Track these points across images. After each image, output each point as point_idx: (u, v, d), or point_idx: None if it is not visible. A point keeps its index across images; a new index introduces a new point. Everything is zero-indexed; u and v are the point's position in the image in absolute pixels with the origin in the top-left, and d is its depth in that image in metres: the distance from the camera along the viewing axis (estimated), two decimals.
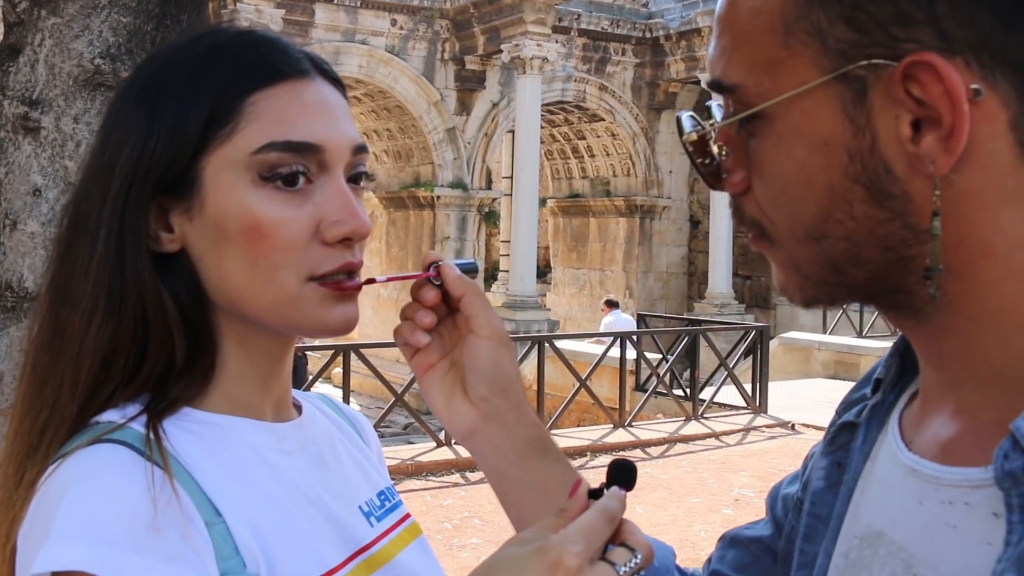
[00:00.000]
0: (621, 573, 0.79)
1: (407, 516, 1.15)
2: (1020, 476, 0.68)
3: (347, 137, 1.01)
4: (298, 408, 1.13)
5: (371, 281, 1.07)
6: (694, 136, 0.83)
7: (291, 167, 0.97)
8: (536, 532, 0.80)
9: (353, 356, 10.20)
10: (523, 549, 0.78)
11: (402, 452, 10.40)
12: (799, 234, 0.77)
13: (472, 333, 1.07)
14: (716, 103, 0.84)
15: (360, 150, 1.03)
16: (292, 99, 0.99)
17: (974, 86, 0.69)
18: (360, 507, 1.09)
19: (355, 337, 22.22)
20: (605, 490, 0.85)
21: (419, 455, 10.02)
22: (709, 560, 1.16)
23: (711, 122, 0.83)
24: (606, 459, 10.41)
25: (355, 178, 1.03)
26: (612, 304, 17.36)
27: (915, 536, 0.79)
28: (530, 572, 0.76)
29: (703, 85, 12.68)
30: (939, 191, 0.71)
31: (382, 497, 1.14)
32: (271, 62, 1.00)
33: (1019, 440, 0.68)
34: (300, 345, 16.13)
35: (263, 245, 0.97)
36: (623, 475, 0.88)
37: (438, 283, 1.06)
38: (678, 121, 0.85)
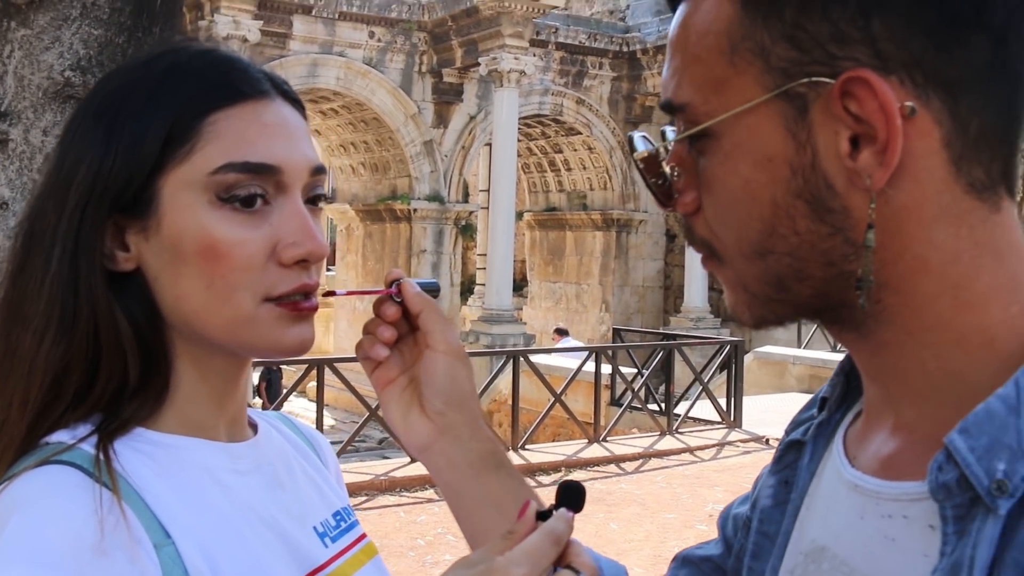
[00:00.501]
0: None
1: (363, 536, 1.15)
2: (953, 488, 0.70)
3: (305, 159, 1.02)
4: (254, 427, 1.13)
5: (331, 293, 1.09)
6: (645, 154, 0.85)
7: (249, 188, 0.97)
8: (483, 555, 0.82)
9: (327, 370, 10.17)
10: (470, 571, 0.80)
11: (376, 467, 10.37)
12: (746, 250, 0.79)
13: (430, 348, 1.08)
14: (670, 127, 0.85)
15: (318, 171, 1.03)
16: (252, 120, 0.99)
17: (908, 103, 0.71)
18: (315, 527, 1.09)
19: (330, 351, 22.19)
20: (554, 511, 0.86)
21: (393, 470, 9.99)
22: None
23: (664, 143, 0.85)
24: (581, 474, 10.43)
25: (313, 199, 1.04)
26: (562, 332, 17.42)
27: (856, 550, 0.81)
28: None
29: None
30: (874, 204, 0.73)
31: (337, 517, 1.14)
32: (231, 82, 1.00)
33: (952, 453, 0.70)
34: (274, 360, 16.23)
35: (220, 265, 0.96)
36: (571, 497, 0.89)
37: (399, 300, 1.08)
38: (630, 140, 0.87)
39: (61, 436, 0.94)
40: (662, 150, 0.85)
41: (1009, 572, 0.66)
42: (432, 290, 1.10)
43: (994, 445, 0.69)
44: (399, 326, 1.09)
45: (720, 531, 1.12)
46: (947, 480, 0.70)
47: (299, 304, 1.00)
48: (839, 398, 0.94)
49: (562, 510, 0.86)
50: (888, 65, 0.72)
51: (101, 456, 0.91)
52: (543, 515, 0.86)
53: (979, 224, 0.75)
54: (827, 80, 0.73)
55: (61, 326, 0.96)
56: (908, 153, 0.72)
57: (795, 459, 0.95)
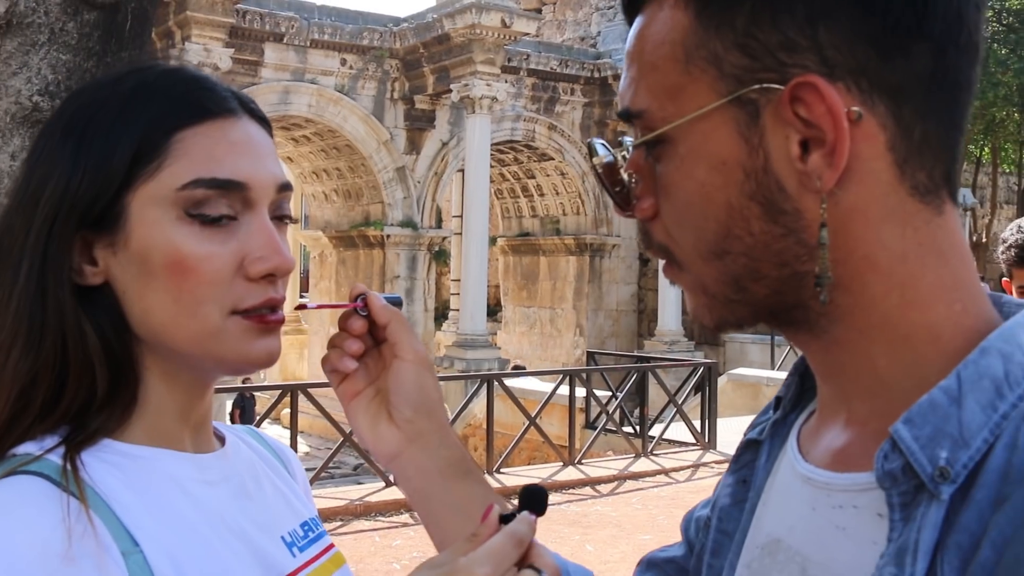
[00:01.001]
0: None
1: (331, 547, 1.16)
2: (899, 476, 0.73)
3: (272, 175, 1.03)
4: (221, 439, 1.14)
5: (302, 307, 1.12)
6: (604, 161, 0.88)
7: (216, 204, 0.99)
8: (447, 556, 0.84)
9: (301, 396, 10.12)
10: (434, 572, 0.82)
11: (351, 492, 10.32)
12: (703, 252, 0.82)
13: (397, 358, 1.09)
14: (628, 137, 0.88)
15: (284, 188, 1.05)
16: (219, 137, 1.01)
17: (854, 108, 0.75)
18: (283, 537, 1.10)
19: (304, 377, 22.06)
20: (516, 515, 0.88)
21: (368, 495, 9.95)
22: None
23: (621, 151, 0.87)
24: (557, 497, 10.41)
25: (279, 216, 1.05)
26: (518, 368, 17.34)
27: (809, 540, 0.83)
28: None
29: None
30: (825, 204, 0.76)
31: (305, 528, 1.15)
32: (198, 100, 1.02)
33: (897, 442, 0.73)
34: (247, 386, 16.01)
35: (187, 280, 0.98)
36: (534, 500, 0.91)
37: (364, 314, 1.09)
38: (590, 146, 0.89)
39: (28, 447, 0.94)
40: (620, 158, 0.87)
41: (951, 554, 0.69)
42: (396, 303, 1.12)
43: (937, 434, 0.72)
44: (364, 340, 1.11)
45: (683, 534, 1.14)
46: (892, 468, 0.73)
47: (266, 317, 1.02)
48: (794, 398, 0.97)
49: (524, 513, 0.88)
50: (835, 72, 0.74)
51: (68, 466, 0.92)
52: (506, 518, 0.88)
53: (923, 226, 0.78)
54: (777, 86, 0.75)
55: (29, 339, 0.97)
56: (855, 156, 0.75)
57: (752, 458, 0.98)
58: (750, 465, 0.98)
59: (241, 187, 1.00)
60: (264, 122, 1.09)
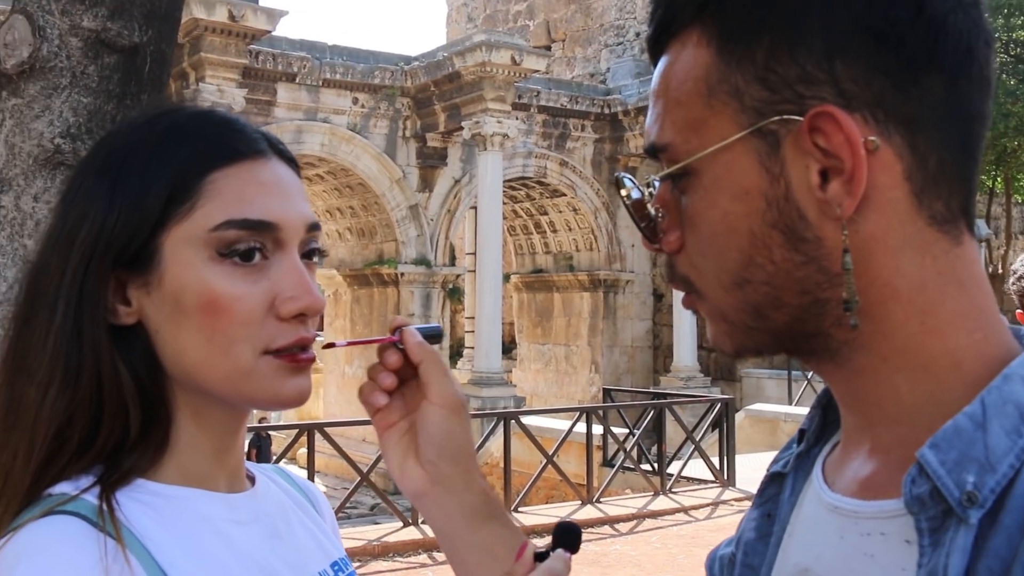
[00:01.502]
0: None
1: None
2: (927, 501, 0.74)
3: (301, 215, 1.05)
4: (251, 479, 1.14)
5: (331, 345, 1.13)
6: (632, 195, 0.90)
7: (248, 244, 1.01)
8: None
9: (318, 435, 10.12)
10: None
11: (368, 533, 10.29)
12: (725, 281, 0.84)
13: (426, 400, 1.09)
14: (654, 177, 0.90)
15: (314, 227, 1.07)
16: (249, 178, 1.03)
17: (871, 138, 0.77)
18: None
19: (320, 416, 22.08)
20: (551, 553, 0.89)
21: (385, 535, 9.92)
22: None
23: (647, 185, 0.90)
24: None
25: (308, 254, 1.07)
26: None
27: (837, 568, 0.84)
28: None
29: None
30: (847, 231, 0.78)
31: (336, 568, 1.15)
32: (230, 142, 1.04)
33: (924, 467, 0.74)
34: (264, 425, 16.01)
35: (220, 320, 0.99)
36: (568, 538, 0.92)
37: (402, 347, 1.09)
38: (618, 181, 0.93)
39: (64, 487, 0.95)
40: (647, 193, 0.89)
41: None
42: (434, 335, 1.12)
43: (963, 459, 0.73)
44: (403, 371, 1.10)
45: (708, 573, 1.13)
46: (920, 493, 0.74)
47: (297, 356, 1.03)
48: (817, 430, 0.98)
49: (559, 551, 0.89)
50: (852, 103, 0.77)
51: (104, 506, 0.93)
52: (541, 556, 0.89)
53: (942, 255, 0.80)
54: (796, 117, 0.78)
55: (65, 379, 0.98)
56: (873, 185, 0.77)
57: (777, 492, 0.98)
58: (775, 499, 0.98)
59: (272, 227, 1.02)
60: (292, 162, 1.11)
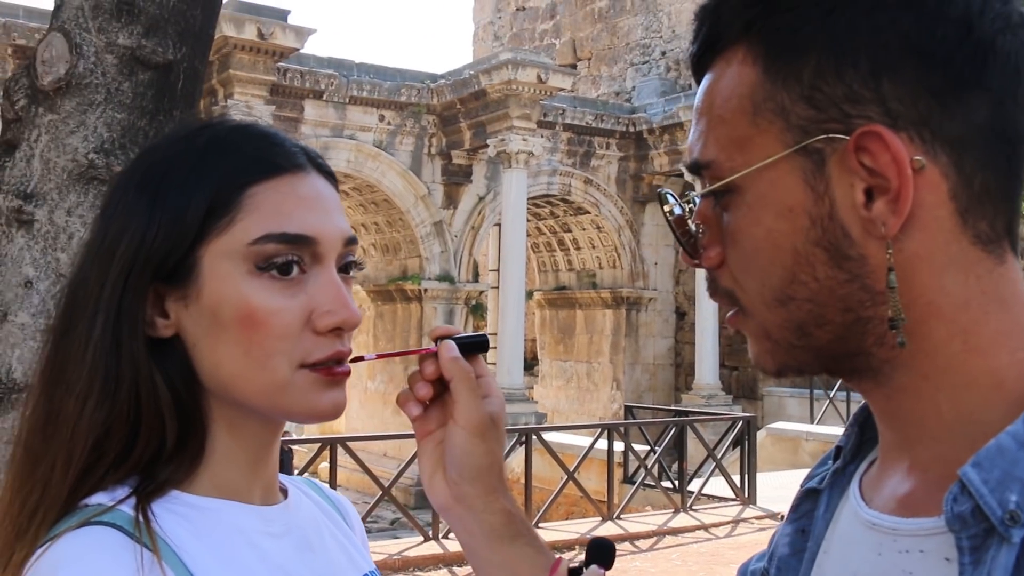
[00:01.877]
0: None
1: None
2: (968, 519, 0.74)
3: (339, 230, 1.05)
4: (283, 491, 1.15)
5: (359, 359, 1.10)
6: (676, 211, 0.91)
7: (286, 258, 1.01)
8: None
9: (340, 450, 10.12)
10: None
11: (389, 547, 10.27)
12: (768, 298, 0.84)
13: (452, 419, 1.08)
14: (696, 193, 0.91)
15: (351, 242, 1.07)
16: (288, 192, 1.03)
17: (917, 157, 0.77)
18: None
19: (342, 430, 22.08)
20: (584, 569, 0.89)
21: (406, 550, 9.90)
22: None
23: (688, 202, 0.91)
24: None
25: (345, 268, 1.07)
26: None
27: None
28: None
29: (687, 178, 12.94)
30: (891, 249, 0.78)
31: None
32: (269, 156, 1.04)
33: (967, 485, 0.74)
34: (286, 439, 16.01)
35: (258, 333, 0.99)
36: (601, 554, 0.91)
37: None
38: (660, 196, 0.93)
39: (100, 498, 0.96)
40: (687, 209, 0.91)
41: None
42: (480, 344, 1.10)
43: (1006, 478, 0.73)
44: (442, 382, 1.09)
45: None
46: (962, 511, 0.74)
47: (333, 369, 1.03)
48: (854, 448, 0.97)
49: (593, 567, 0.89)
50: (898, 123, 0.77)
51: (140, 517, 0.93)
52: (575, 572, 0.89)
53: (986, 274, 0.80)
54: (842, 136, 0.79)
55: (104, 390, 0.98)
56: (918, 204, 0.78)
57: (811, 508, 0.98)
58: (809, 515, 0.98)
59: (310, 242, 1.02)
60: (331, 176, 1.11)
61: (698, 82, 0.90)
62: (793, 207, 0.81)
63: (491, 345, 1.20)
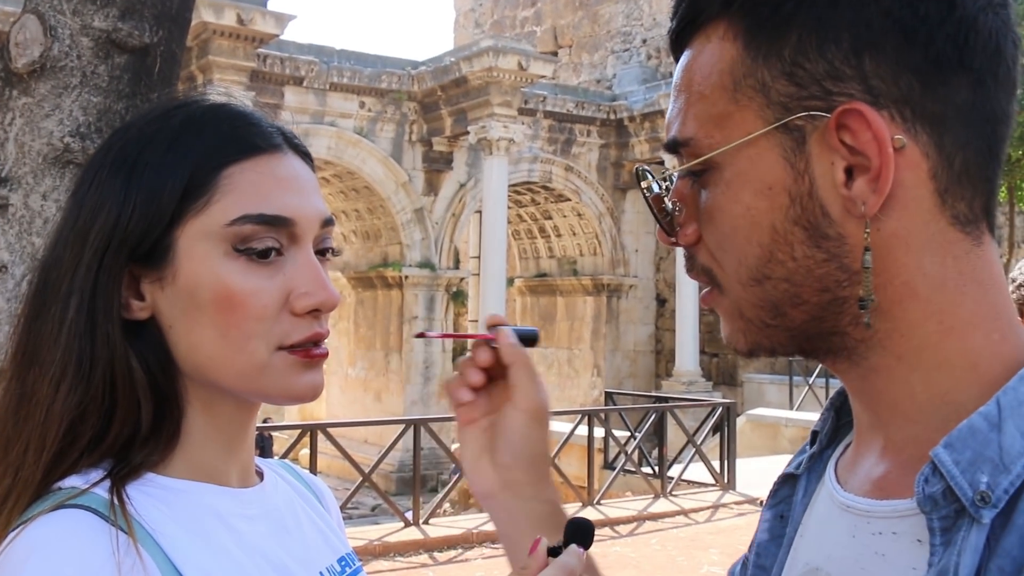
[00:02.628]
0: None
1: None
2: (939, 500, 0.74)
3: (317, 211, 1.04)
4: (259, 474, 1.14)
5: (422, 335, 1.11)
6: (654, 188, 0.90)
7: (264, 240, 1.00)
8: None
9: (320, 436, 10.11)
10: None
11: (369, 533, 10.28)
12: (744, 277, 0.83)
13: (511, 403, 1.07)
14: (672, 171, 0.91)
15: (328, 223, 1.06)
16: (266, 173, 1.02)
17: (898, 136, 0.77)
18: (321, 572, 1.10)
19: (322, 417, 22.07)
20: (563, 548, 0.88)
21: (387, 535, 9.91)
22: None
23: (665, 179, 0.90)
24: None
25: (323, 251, 1.06)
26: None
27: (848, 568, 0.84)
28: None
29: (667, 165, 12.93)
30: (869, 229, 0.78)
31: (343, 563, 1.15)
32: (245, 136, 1.03)
33: (938, 466, 0.74)
34: (267, 425, 15.94)
35: (235, 315, 0.98)
36: (580, 533, 0.91)
37: (495, 346, 1.08)
38: (638, 173, 0.92)
39: (74, 481, 0.94)
40: (664, 187, 0.90)
41: None
42: (531, 338, 1.10)
43: (977, 459, 0.73)
44: (492, 370, 1.08)
45: None
46: (933, 492, 0.74)
47: (311, 351, 1.02)
48: (830, 432, 0.97)
49: (572, 546, 0.88)
50: (879, 100, 0.77)
51: (115, 500, 0.92)
52: (554, 551, 0.88)
53: (963, 255, 0.79)
54: (823, 114, 0.78)
55: (78, 373, 0.97)
56: (898, 183, 0.77)
57: (789, 494, 0.98)
58: (787, 500, 0.98)
59: (287, 222, 1.01)
60: (307, 157, 1.10)
61: (677, 59, 0.89)
62: (772, 185, 0.80)
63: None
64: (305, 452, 10.75)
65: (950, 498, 0.73)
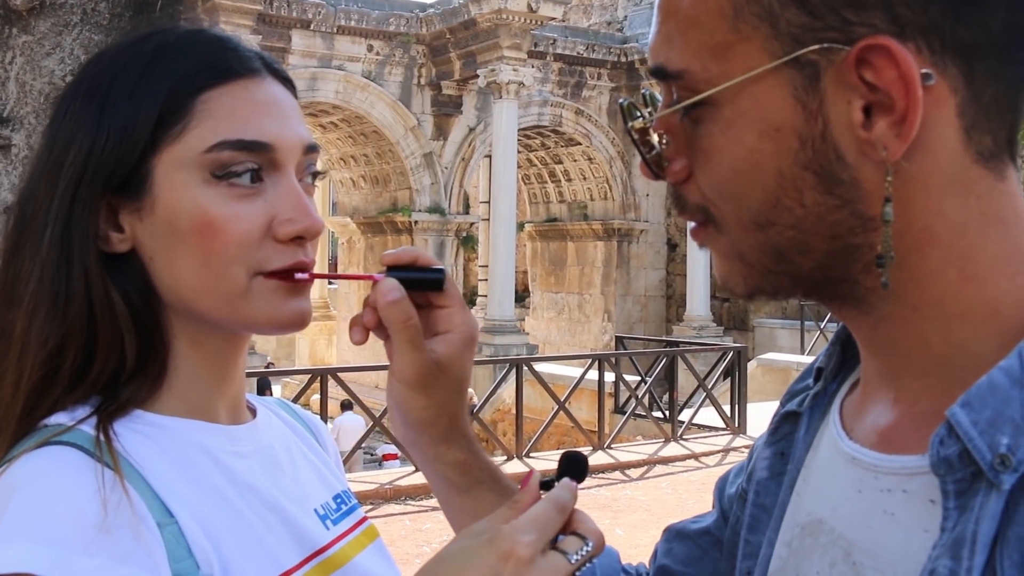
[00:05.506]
0: (573, 561, 0.80)
1: (364, 519, 1.15)
2: (955, 463, 0.68)
3: (298, 136, 1.02)
4: (252, 412, 1.12)
5: (317, 276, 1.03)
6: (640, 124, 0.82)
7: (244, 165, 0.97)
8: (488, 524, 0.81)
9: (331, 381, 10.16)
10: (475, 540, 0.79)
11: (380, 476, 10.38)
12: (745, 221, 0.76)
13: (390, 370, 1.04)
14: (655, 91, 0.83)
15: (311, 149, 1.03)
16: (244, 98, 0.99)
17: (925, 71, 0.69)
18: (315, 510, 1.09)
19: (333, 362, 22.20)
20: (556, 482, 0.85)
21: (398, 479, 10.00)
22: (655, 555, 1.15)
23: (649, 111, 0.82)
24: (586, 481, 10.38)
25: (308, 176, 1.04)
26: (346, 406, 15.68)
27: (854, 524, 0.79)
28: (482, 562, 0.77)
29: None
30: (891, 177, 0.71)
31: (338, 500, 1.13)
32: (222, 60, 1.00)
33: (954, 427, 0.68)
34: (274, 370, 15.93)
35: (216, 241, 0.96)
36: (574, 467, 0.88)
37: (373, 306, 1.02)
38: (622, 108, 0.84)
39: (59, 418, 0.93)
40: (647, 114, 0.82)
41: (1012, 548, 0.64)
42: (433, 280, 1.03)
43: (997, 419, 0.67)
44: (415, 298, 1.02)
45: (716, 502, 1.10)
46: (949, 454, 0.69)
47: (293, 276, 0.99)
48: (835, 368, 0.92)
49: (565, 479, 0.85)
50: (905, 31, 0.69)
51: (101, 436, 0.91)
52: (546, 485, 0.85)
53: (985, 193, 0.73)
54: (842, 47, 0.70)
55: (54, 306, 0.95)
56: (923, 123, 0.69)
57: (791, 430, 0.94)
58: (789, 437, 0.93)
59: (268, 148, 0.98)
60: (288, 82, 1.07)
61: None
62: (780, 126, 0.72)
63: (444, 284, 1.00)
64: (316, 398, 10.79)
65: (967, 461, 0.68)
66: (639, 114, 0.83)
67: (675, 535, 1.13)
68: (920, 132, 0.70)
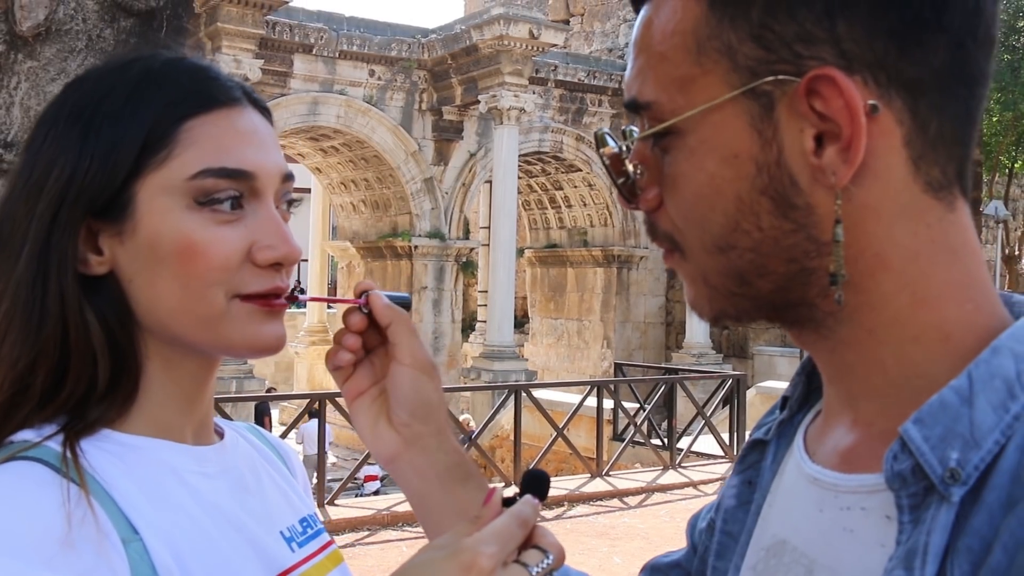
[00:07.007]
0: (534, 573, 0.82)
1: (330, 543, 1.16)
2: (908, 477, 0.72)
3: (277, 165, 1.05)
4: (220, 434, 1.14)
5: (294, 299, 1.09)
6: (611, 151, 0.86)
7: (226, 192, 0.99)
8: (451, 537, 0.83)
9: (329, 405, 10.14)
10: (438, 553, 0.81)
11: (377, 502, 10.34)
12: (708, 245, 0.80)
13: (396, 361, 1.09)
14: (634, 127, 0.86)
15: (288, 178, 1.06)
16: (226, 126, 1.02)
17: (871, 102, 0.73)
18: (281, 532, 1.10)
19: (331, 387, 22.13)
20: (518, 499, 0.88)
21: (394, 505, 9.96)
22: None
23: (627, 141, 0.86)
24: (584, 508, 10.38)
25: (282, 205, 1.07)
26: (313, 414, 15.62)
27: (815, 541, 0.82)
28: (445, 574, 0.78)
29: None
30: (840, 200, 0.74)
31: (304, 524, 1.14)
32: (205, 89, 1.03)
33: (907, 443, 0.72)
34: (275, 395, 15.92)
35: (198, 264, 0.98)
36: (536, 484, 0.90)
37: (367, 311, 1.09)
38: (597, 137, 0.88)
39: (26, 435, 0.94)
40: (624, 148, 0.85)
41: (962, 558, 0.67)
42: (403, 303, 1.11)
43: (947, 435, 0.71)
44: (371, 338, 1.11)
45: (688, 538, 1.13)
46: (902, 469, 0.72)
47: (270, 301, 1.02)
48: (800, 397, 0.95)
49: (527, 496, 0.88)
50: (852, 65, 0.73)
51: (68, 452, 0.92)
52: (508, 502, 0.88)
53: (935, 223, 0.77)
54: (793, 78, 0.74)
55: (26, 327, 0.96)
56: (870, 152, 0.74)
57: (758, 459, 0.97)
58: (756, 466, 0.97)
59: (249, 176, 1.01)
60: (266, 112, 1.10)
61: (636, 11, 0.85)
62: (738, 153, 0.76)
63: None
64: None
65: (919, 475, 0.71)
66: (612, 143, 0.86)
67: (650, 570, 1.16)
68: (868, 160, 0.74)
